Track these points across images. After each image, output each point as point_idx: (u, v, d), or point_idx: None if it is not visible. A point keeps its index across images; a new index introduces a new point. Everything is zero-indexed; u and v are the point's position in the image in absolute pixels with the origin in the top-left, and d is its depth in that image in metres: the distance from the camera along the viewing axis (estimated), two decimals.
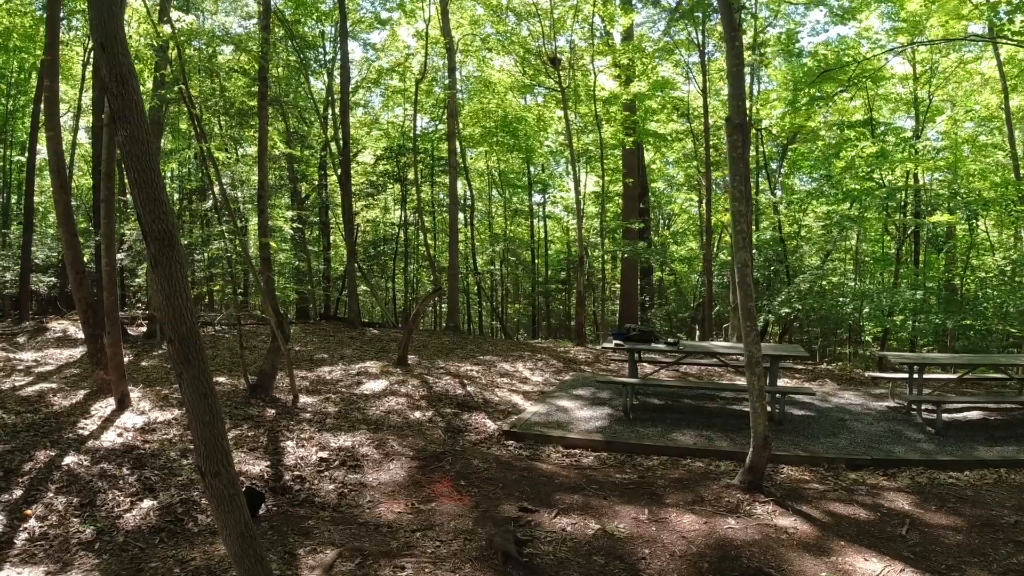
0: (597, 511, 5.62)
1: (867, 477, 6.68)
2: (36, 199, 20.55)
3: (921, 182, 18.24)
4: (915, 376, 9.08)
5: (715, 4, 13.98)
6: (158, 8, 14.42)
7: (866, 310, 14.69)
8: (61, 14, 10.01)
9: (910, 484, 6.46)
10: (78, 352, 12.84)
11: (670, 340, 9.71)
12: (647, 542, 5.01)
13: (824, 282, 16.69)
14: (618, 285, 24.85)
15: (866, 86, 16.45)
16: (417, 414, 8.71)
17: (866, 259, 21.08)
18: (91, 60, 19.59)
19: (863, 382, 11.71)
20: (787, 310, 15.32)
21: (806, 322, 19.69)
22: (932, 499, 6.00)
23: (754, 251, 16.07)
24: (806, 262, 19.09)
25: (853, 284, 18.92)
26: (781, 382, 10.47)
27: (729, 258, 18.24)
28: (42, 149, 19.76)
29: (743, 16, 15.61)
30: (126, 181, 18.43)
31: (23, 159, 21.98)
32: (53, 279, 21.25)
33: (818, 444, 7.57)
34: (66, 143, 17.57)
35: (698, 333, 18.84)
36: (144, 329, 15.69)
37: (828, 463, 7.02)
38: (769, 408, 8.04)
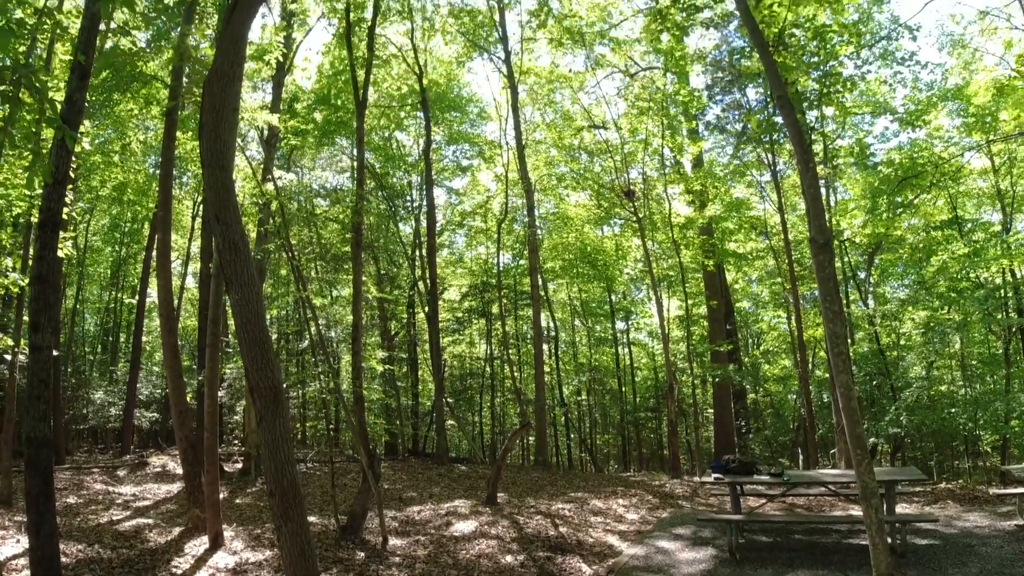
0: None
1: None
2: (143, 338, 22.19)
3: (1019, 277, 17.26)
4: None
5: (780, 123, 14.23)
6: (262, 167, 16.01)
7: (981, 420, 13.53)
8: (173, 172, 11.25)
9: None
10: (175, 488, 13.27)
11: (773, 471, 9.14)
12: None
13: (932, 392, 15.61)
14: (711, 410, 23.94)
15: (946, 185, 16.07)
16: (508, 558, 8.40)
17: (973, 363, 19.66)
18: (200, 212, 21.69)
19: (987, 500, 10.67)
20: (896, 429, 14.27)
21: (918, 438, 18.22)
22: None
23: (853, 367, 15.26)
24: (910, 373, 17.99)
25: (963, 392, 17.59)
26: (900, 508, 9.59)
27: (826, 375, 17.37)
28: (151, 292, 21.58)
29: (811, 136, 15.78)
30: (230, 322, 19.65)
31: (133, 301, 24.04)
32: (155, 415, 22.47)
33: (946, 575, 6.82)
34: (174, 287, 19.12)
35: (801, 458, 17.66)
36: (239, 466, 16.16)
37: None
38: (890, 539, 7.33)
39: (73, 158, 6.41)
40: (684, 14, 13.23)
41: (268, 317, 23.80)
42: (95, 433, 22.87)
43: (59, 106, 7.99)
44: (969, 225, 17.94)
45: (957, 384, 18.90)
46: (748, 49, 16.10)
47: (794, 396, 22.51)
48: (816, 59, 13.28)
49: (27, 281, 8.11)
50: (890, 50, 14.42)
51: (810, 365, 18.67)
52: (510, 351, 22.97)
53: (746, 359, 23.15)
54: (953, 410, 14.91)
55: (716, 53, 21.58)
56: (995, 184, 17.28)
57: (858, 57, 14.11)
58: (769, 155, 17.35)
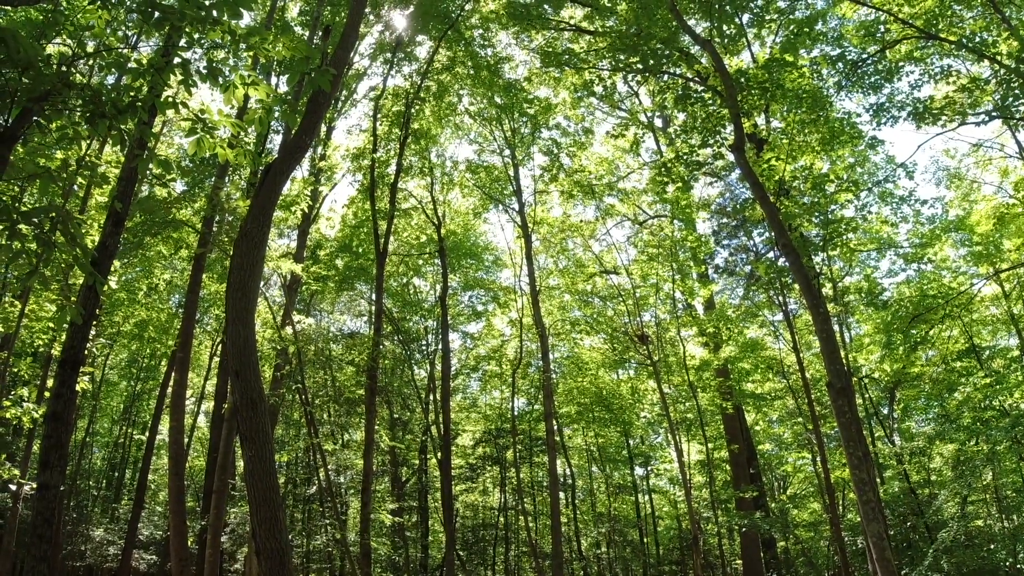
0: None
1: None
2: (149, 476, 21.64)
3: None
4: None
5: (786, 265, 14.49)
6: (282, 311, 16.40)
7: (1021, 555, 12.59)
8: (196, 314, 11.57)
9: None
10: None
11: None
12: None
13: (970, 527, 14.70)
14: (739, 561, 22.52)
15: (959, 315, 16.07)
16: None
17: (1008, 493, 18.64)
18: (218, 352, 21.91)
19: None
20: (937, 574, 13.35)
21: None
22: None
23: (885, 511, 14.52)
24: (944, 511, 17.07)
25: (1000, 525, 16.56)
26: None
27: (858, 518, 16.45)
28: (162, 430, 21.32)
29: (819, 279, 16.02)
30: (239, 462, 19.26)
31: (143, 438, 23.71)
32: (154, 557, 21.42)
33: None
34: (186, 425, 18.99)
35: None
36: None
37: None
38: None
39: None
40: (687, 167, 14.06)
41: (277, 462, 23.36)
42: (91, 571, 21.84)
43: (91, 248, 8.44)
44: (987, 352, 17.71)
45: (993, 517, 17.91)
46: (751, 199, 16.84)
47: (825, 543, 21.23)
48: (817, 202, 13.79)
49: (41, 412, 8.23)
50: (888, 190, 14.98)
51: (841, 508, 17.80)
52: (525, 500, 22.14)
53: (773, 505, 22.05)
54: (992, 546, 14.01)
55: (721, 200, 22.60)
56: (1008, 310, 17.25)
57: (857, 199, 14.67)
58: (780, 296, 17.58)
